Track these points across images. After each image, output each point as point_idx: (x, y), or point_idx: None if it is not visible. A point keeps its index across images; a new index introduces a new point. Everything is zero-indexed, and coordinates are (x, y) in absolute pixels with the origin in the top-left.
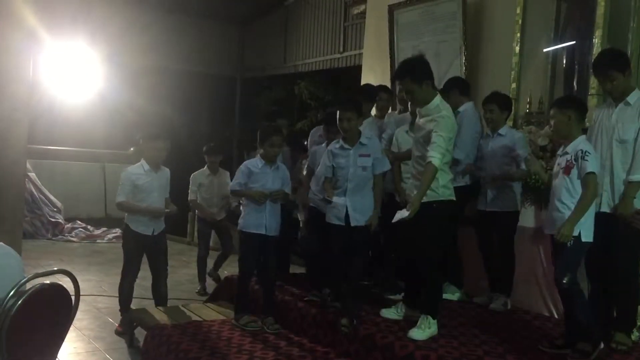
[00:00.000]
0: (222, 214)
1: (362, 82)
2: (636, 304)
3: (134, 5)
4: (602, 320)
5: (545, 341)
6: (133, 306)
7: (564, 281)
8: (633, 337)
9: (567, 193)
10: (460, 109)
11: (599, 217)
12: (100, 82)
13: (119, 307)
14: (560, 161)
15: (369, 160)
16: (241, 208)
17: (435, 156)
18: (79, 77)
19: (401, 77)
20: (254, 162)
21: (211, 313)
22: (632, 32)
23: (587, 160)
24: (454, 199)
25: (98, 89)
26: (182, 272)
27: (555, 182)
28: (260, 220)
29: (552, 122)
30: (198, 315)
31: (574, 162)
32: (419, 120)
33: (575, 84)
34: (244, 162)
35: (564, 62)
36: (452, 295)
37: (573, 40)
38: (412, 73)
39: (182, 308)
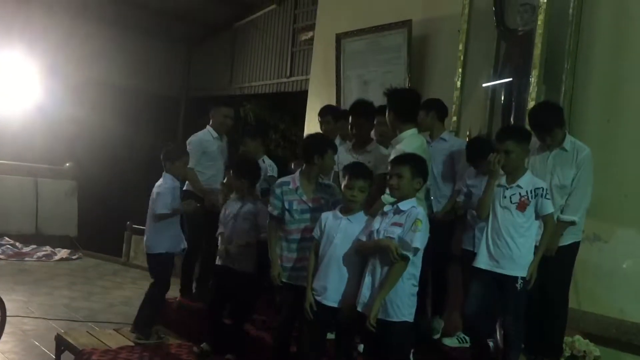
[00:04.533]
0: None
1: (308, 108)
2: (564, 332)
3: (76, 15)
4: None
5: None
6: (61, 328)
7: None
8: None
9: (519, 231)
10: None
11: None
12: (39, 94)
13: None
14: (509, 194)
15: None
16: None
17: None
18: (15, 88)
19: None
20: None
21: None
22: (566, 73)
23: (549, 199)
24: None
25: (36, 101)
26: (116, 294)
27: (503, 216)
28: None
29: (502, 155)
30: (130, 340)
31: (530, 199)
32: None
33: (512, 119)
34: None
35: (502, 98)
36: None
37: (511, 78)
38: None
39: (114, 332)
